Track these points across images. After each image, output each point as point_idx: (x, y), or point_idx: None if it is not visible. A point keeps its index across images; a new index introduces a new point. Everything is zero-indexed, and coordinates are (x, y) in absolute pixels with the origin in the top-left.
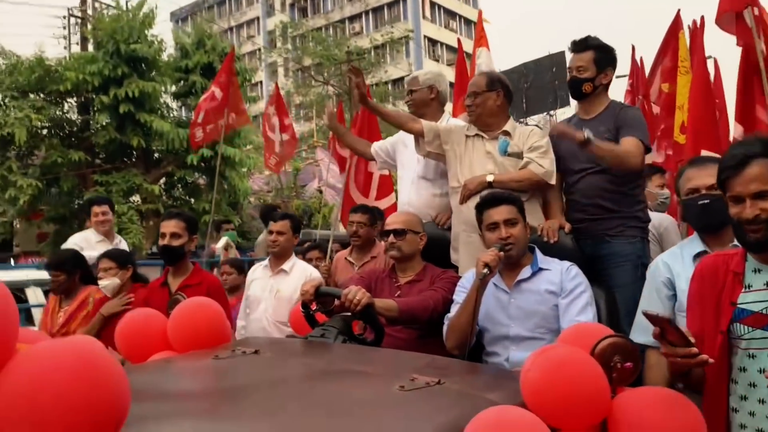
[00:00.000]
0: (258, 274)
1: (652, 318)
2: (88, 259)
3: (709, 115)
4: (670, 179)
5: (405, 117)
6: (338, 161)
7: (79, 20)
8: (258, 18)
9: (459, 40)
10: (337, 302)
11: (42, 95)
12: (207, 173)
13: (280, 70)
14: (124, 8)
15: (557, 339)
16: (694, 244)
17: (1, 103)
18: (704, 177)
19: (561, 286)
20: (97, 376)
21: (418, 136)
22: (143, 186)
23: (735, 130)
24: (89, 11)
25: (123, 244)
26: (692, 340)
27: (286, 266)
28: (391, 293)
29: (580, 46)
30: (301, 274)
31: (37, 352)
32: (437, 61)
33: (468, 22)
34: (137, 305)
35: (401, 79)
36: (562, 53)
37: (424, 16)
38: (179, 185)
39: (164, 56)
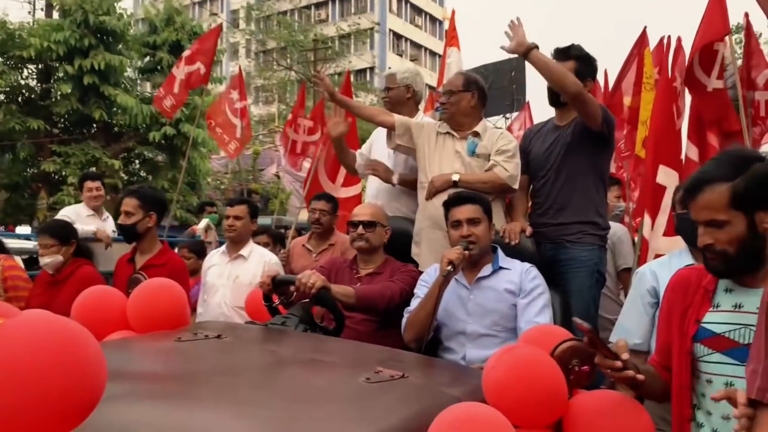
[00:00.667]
0: (215, 260)
1: (580, 326)
2: (80, 232)
3: (669, 131)
4: (623, 191)
5: (376, 110)
6: (289, 148)
7: None
8: None
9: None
10: (293, 289)
11: (2, 59)
12: (168, 151)
13: (242, 51)
14: None
15: (519, 338)
16: (684, 256)
17: None
18: None
19: (520, 286)
20: (74, 354)
21: (390, 129)
22: (102, 159)
23: (688, 149)
24: None
25: (110, 220)
26: (622, 355)
27: (244, 252)
28: (350, 284)
29: (562, 54)
30: (259, 259)
31: (7, 328)
32: (401, 55)
33: (433, 19)
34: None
35: (364, 70)
36: (522, 59)
37: (390, 10)
38: (137, 161)
39: (132, 30)
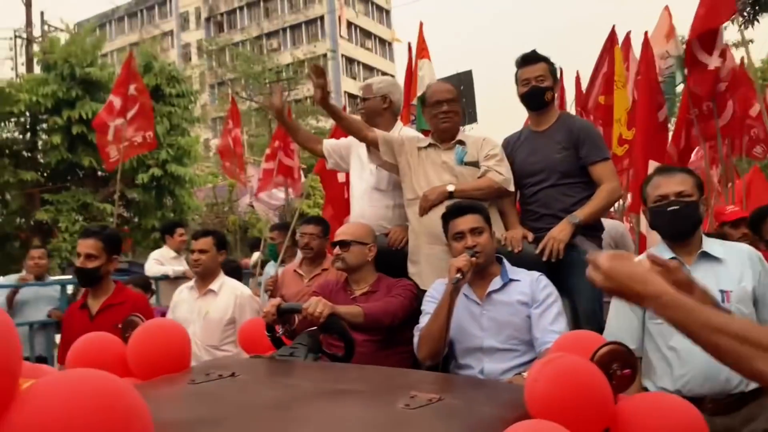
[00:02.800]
0: (184, 296)
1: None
2: (171, 273)
3: (654, 126)
4: None
5: (360, 124)
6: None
7: (24, 41)
8: (172, 31)
9: (409, 47)
10: (299, 317)
11: None
12: (156, 191)
13: (196, 84)
14: (74, 31)
15: (551, 348)
16: (663, 251)
17: None
18: (673, 184)
19: (532, 296)
20: (121, 409)
21: (372, 145)
22: (93, 204)
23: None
24: (34, 33)
25: (184, 263)
26: None
27: (213, 286)
28: (347, 305)
29: (532, 58)
30: (230, 293)
31: (42, 390)
32: (354, 78)
33: (382, 41)
34: None
35: None
36: (470, 72)
37: (341, 35)
38: (122, 204)
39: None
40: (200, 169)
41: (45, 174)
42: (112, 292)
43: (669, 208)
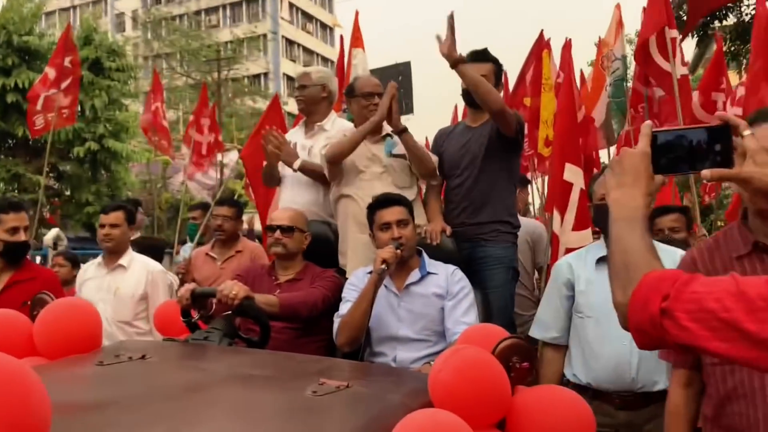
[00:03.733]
0: (91, 273)
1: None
2: None
3: (572, 129)
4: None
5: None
6: (193, 149)
7: None
8: None
9: (342, 38)
10: (214, 302)
11: None
12: (91, 165)
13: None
14: None
15: (457, 339)
16: (598, 248)
17: None
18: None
19: (447, 289)
20: (13, 399)
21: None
22: (26, 176)
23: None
24: None
25: None
26: None
27: (123, 261)
28: (270, 291)
29: (482, 56)
30: (142, 268)
31: None
32: (294, 61)
33: (324, 26)
34: None
35: (258, 75)
36: (409, 63)
37: (282, 17)
38: (53, 176)
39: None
40: (135, 145)
41: None
42: (21, 267)
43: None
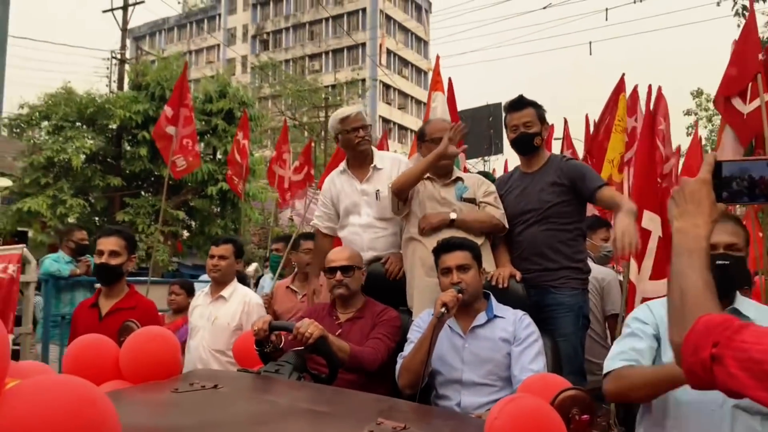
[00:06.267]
0: (199, 301)
1: None
2: None
3: (652, 176)
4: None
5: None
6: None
7: (118, 61)
8: (218, 45)
9: (445, 79)
10: (290, 338)
11: (92, 128)
12: (221, 203)
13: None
14: (163, 56)
15: (517, 388)
16: None
17: (54, 131)
18: (724, 233)
19: (514, 334)
20: (91, 418)
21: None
22: (167, 210)
23: None
24: (127, 55)
25: None
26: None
27: (225, 293)
28: (331, 331)
29: (520, 104)
30: (240, 300)
31: (21, 392)
32: (389, 104)
33: (419, 70)
34: None
35: None
36: (499, 105)
37: (380, 63)
38: (184, 209)
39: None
40: (263, 186)
41: (125, 181)
42: (124, 296)
43: (718, 261)
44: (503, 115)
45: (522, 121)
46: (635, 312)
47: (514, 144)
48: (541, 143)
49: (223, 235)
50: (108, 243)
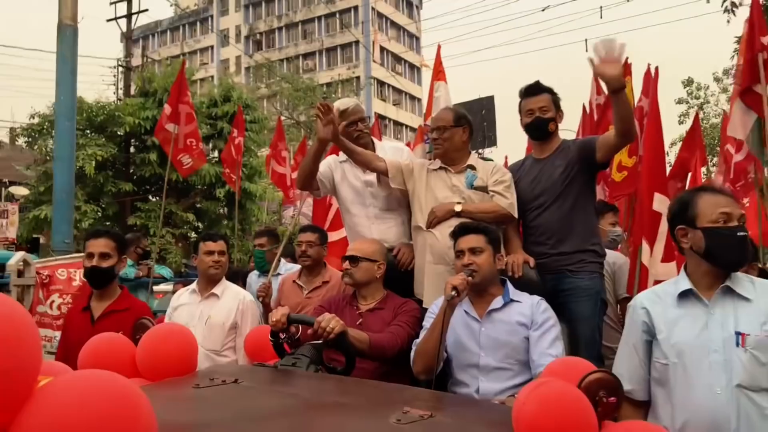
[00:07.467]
0: (185, 299)
1: None
2: None
3: (660, 159)
4: (621, 218)
5: (371, 156)
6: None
7: (123, 69)
8: (212, 47)
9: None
10: (310, 332)
11: (103, 135)
12: (229, 205)
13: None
14: (168, 63)
15: (542, 372)
16: (680, 282)
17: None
18: (735, 206)
19: (532, 318)
20: (131, 414)
21: (383, 174)
22: (178, 213)
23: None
24: (132, 62)
25: None
26: None
27: (217, 290)
28: (352, 321)
29: (536, 89)
30: (233, 298)
31: (56, 389)
32: (384, 101)
33: (412, 66)
34: None
35: None
36: (492, 98)
37: (374, 60)
38: (192, 212)
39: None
40: (268, 186)
41: (136, 186)
42: (117, 297)
43: (739, 233)
44: (514, 103)
45: (538, 106)
46: (629, 313)
47: (528, 129)
48: (555, 129)
49: (213, 231)
50: (98, 245)
